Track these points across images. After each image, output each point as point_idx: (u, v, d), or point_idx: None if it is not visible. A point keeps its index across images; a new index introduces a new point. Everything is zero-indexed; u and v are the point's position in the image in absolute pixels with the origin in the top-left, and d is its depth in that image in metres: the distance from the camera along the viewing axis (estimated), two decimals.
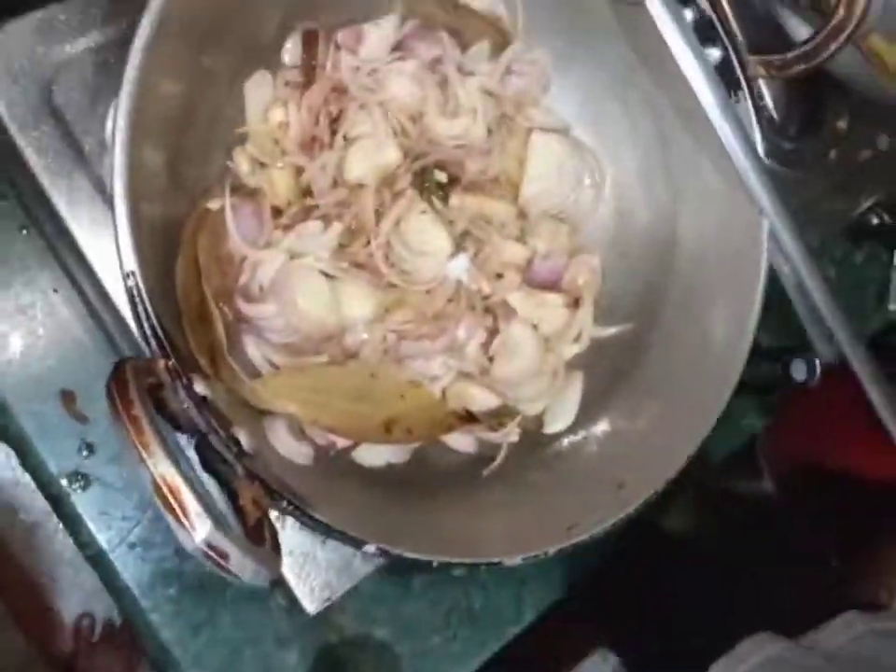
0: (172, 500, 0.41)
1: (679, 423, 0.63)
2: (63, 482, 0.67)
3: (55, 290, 0.69)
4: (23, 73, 0.59)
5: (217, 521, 0.41)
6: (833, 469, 1.08)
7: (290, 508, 0.50)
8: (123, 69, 0.47)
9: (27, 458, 0.68)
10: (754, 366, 0.69)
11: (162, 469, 0.40)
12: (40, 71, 0.59)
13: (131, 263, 0.47)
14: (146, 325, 0.48)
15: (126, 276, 0.47)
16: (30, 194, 0.62)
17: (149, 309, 0.48)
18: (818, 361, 0.81)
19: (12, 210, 0.68)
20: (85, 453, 0.67)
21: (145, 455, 0.40)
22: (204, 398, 0.49)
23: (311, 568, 0.62)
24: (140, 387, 0.43)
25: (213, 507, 0.41)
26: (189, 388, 0.48)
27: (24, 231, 0.69)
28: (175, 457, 0.41)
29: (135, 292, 0.47)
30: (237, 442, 0.50)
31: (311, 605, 0.62)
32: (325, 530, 0.51)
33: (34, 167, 0.59)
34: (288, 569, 0.62)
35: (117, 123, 0.46)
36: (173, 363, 0.48)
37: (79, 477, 0.68)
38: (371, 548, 0.52)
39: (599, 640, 0.78)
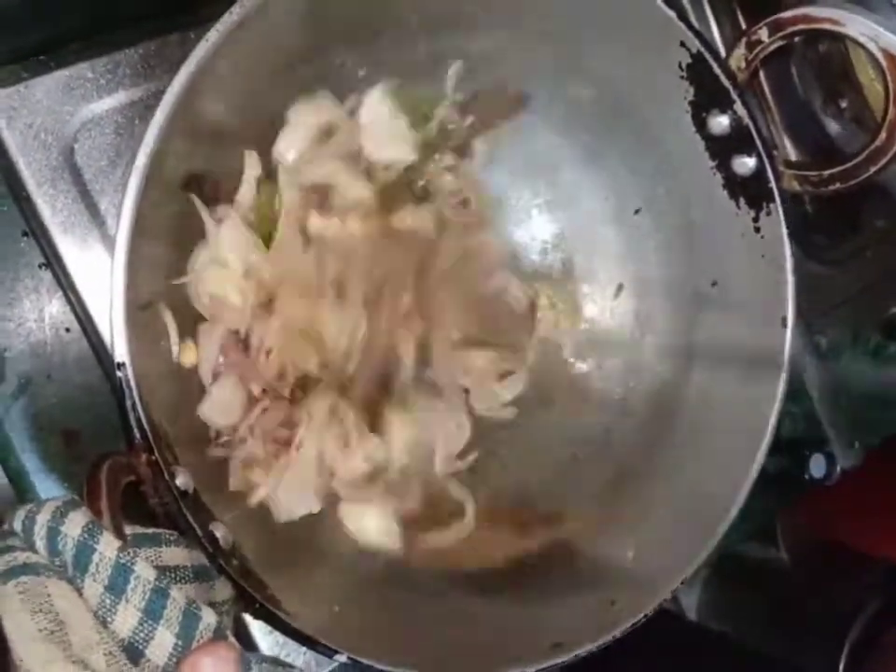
0: None
1: (678, 542, 0.62)
2: None
3: (67, 329, 0.69)
4: (46, 129, 0.59)
5: None
6: (851, 549, 1.07)
7: (262, 612, 0.49)
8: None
9: (24, 495, 0.68)
10: (772, 458, 0.68)
11: None
12: (63, 129, 0.59)
13: (122, 354, 0.47)
14: (131, 416, 0.47)
15: (117, 366, 0.46)
16: (44, 244, 0.62)
17: (137, 401, 0.47)
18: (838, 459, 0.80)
19: (30, 248, 0.68)
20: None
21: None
22: (185, 492, 0.49)
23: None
24: (111, 490, 0.43)
25: None
26: (170, 481, 0.48)
27: (41, 269, 0.68)
28: None
29: (125, 383, 0.47)
30: (214, 541, 0.49)
31: None
32: (297, 637, 0.51)
33: (48, 224, 0.59)
34: (260, 637, 0.61)
35: (121, 215, 0.46)
36: (155, 458, 0.47)
37: None
38: (342, 657, 0.52)
39: None
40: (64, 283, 0.63)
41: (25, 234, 0.66)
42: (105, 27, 0.62)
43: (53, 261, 0.61)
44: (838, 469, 0.80)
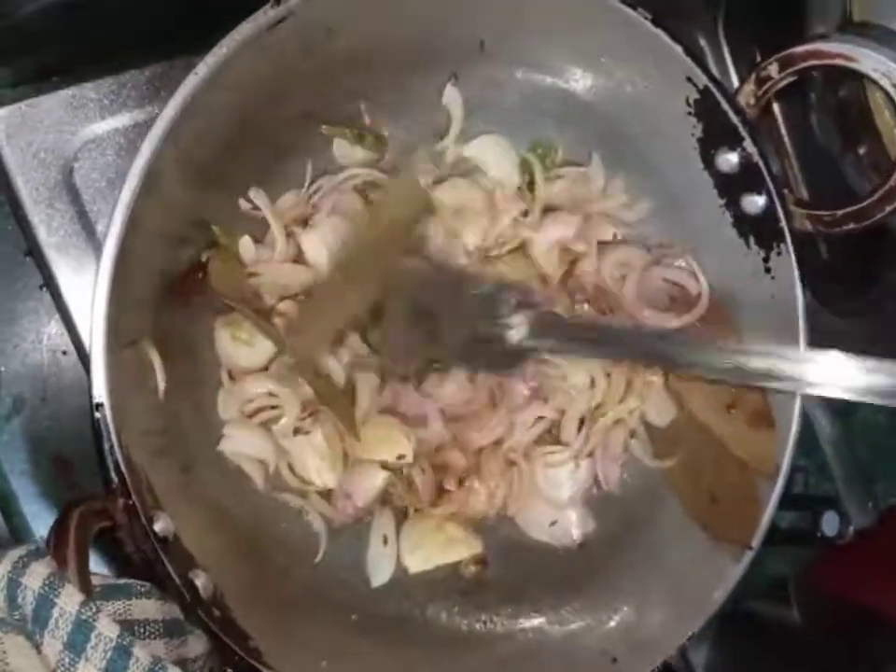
0: None
1: (681, 599, 0.60)
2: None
3: (64, 352, 0.68)
4: (46, 148, 0.58)
5: None
6: (867, 610, 1.03)
7: (243, 665, 0.48)
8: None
9: (11, 519, 0.67)
10: (783, 513, 0.66)
11: None
12: (64, 148, 0.59)
13: (101, 395, 0.46)
14: (108, 459, 0.46)
15: (95, 407, 0.45)
16: (40, 263, 0.61)
17: (115, 444, 0.46)
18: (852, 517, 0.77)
19: (31, 268, 0.67)
20: None
21: None
22: (165, 538, 0.47)
23: None
24: (80, 538, 0.41)
25: None
26: (148, 527, 0.46)
27: (41, 290, 0.68)
28: None
29: (102, 424, 0.45)
30: (193, 589, 0.48)
31: None
32: None
33: (43, 244, 0.58)
34: None
35: (103, 255, 0.45)
36: (133, 502, 0.46)
37: None
38: None
39: None
40: (59, 304, 0.62)
41: (27, 254, 0.66)
42: (116, 50, 0.62)
43: (49, 282, 0.60)
44: (851, 528, 0.77)
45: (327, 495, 0.62)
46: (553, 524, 0.65)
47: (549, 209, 0.66)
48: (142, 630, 0.41)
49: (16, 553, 0.40)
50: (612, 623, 0.61)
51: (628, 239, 0.66)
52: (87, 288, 0.59)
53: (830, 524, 0.76)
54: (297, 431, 0.60)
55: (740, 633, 1.09)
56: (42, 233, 0.58)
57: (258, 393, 0.60)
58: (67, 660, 0.38)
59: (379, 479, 0.62)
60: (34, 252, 0.61)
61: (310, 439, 0.60)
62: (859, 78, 0.55)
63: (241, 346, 0.60)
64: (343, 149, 0.63)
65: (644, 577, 0.62)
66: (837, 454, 0.80)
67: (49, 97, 0.58)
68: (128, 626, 0.40)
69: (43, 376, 0.67)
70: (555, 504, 0.65)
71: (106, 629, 0.39)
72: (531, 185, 0.66)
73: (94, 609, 0.39)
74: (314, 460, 0.61)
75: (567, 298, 0.66)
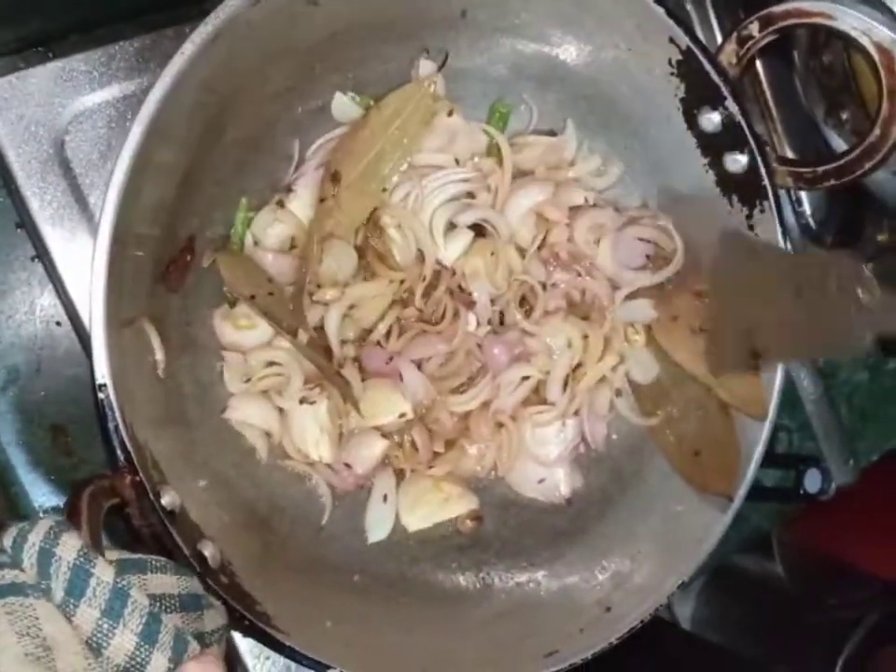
0: None
1: (673, 548, 0.61)
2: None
3: (58, 323, 0.69)
4: (37, 121, 0.58)
5: None
6: (847, 563, 1.06)
7: (253, 629, 0.49)
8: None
9: (10, 488, 0.68)
10: (767, 471, 0.67)
11: None
12: (55, 121, 0.58)
13: (104, 375, 0.46)
14: (114, 438, 0.46)
15: (98, 388, 0.46)
16: (33, 236, 0.61)
17: (119, 423, 0.46)
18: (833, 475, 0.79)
19: (23, 240, 0.67)
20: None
21: None
22: (172, 511, 0.48)
23: (270, 651, 0.60)
24: (93, 516, 0.42)
25: None
26: (156, 501, 0.47)
27: (33, 261, 0.68)
28: None
29: (106, 405, 0.46)
30: (202, 559, 0.49)
31: None
32: (289, 653, 0.50)
33: (36, 217, 0.58)
34: (247, 651, 0.61)
35: (98, 238, 0.45)
36: (140, 479, 0.47)
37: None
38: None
39: None
40: (53, 276, 0.63)
41: (19, 226, 0.66)
42: (103, 20, 0.62)
43: (42, 254, 0.61)
44: (833, 485, 0.79)
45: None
46: (541, 481, 0.67)
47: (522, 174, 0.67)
48: (160, 604, 0.42)
49: (45, 524, 0.40)
50: (606, 575, 0.62)
51: (599, 203, 0.67)
52: (81, 260, 0.60)
53: (812, 481, 0.77)
54: (303, 401, 0.60)
55: (725, 587, 1.12)
56: (35, 206, 0.58)
57: (262, 362, 0.61)
58: (106, 626, 0.39)
59: (378, 447, 0.63)
60: (26, 224, 0.61)
61: (315, 409, 0.61)
62: (842, 43, 0.56)
63: (244, 331, 0.61)
64: (342, 107, 0.63)
65: (634, 530, 0.64)
66: (819, 413, 0.81)
67: (37, 70, 0.58)
68: (149, 599, 0.41)
69: (37, 347, 0.68)
70: (544, 462, 0.66)
71: (139, 597, 0.40)
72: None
73: (127, 580, 0.40)
74: (313, 432, 0.62)
75: (542, 266, 0.66)
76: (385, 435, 0.63)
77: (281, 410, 0.61)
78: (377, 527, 0.64)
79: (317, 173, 0.62)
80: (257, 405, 0.61)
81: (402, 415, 0.62)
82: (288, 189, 0.62)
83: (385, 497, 0.64)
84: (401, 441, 0.64)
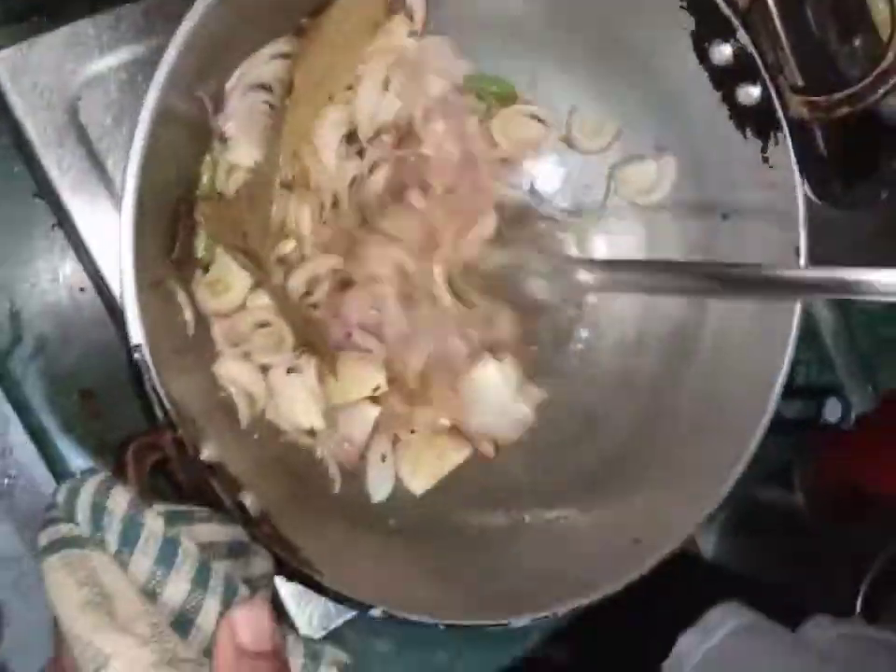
0: None
1: (698, 479, 0.62)
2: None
3: (81, 289, 0.69)
4: (50, 89, 0.58)
5: None
6: (868, 492, 1.07)
7: (296, 574, 0.50)
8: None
9: (47, 452, 0.69)
10: (787, 403, 0.68)
11: None
12: (67, 87, 0.58)
13: (138, 336, 0.47)
14: (152, 396, 0.47)
15: (134, 349, 0.47)
16: (53, 204, 0.62)
17: (157, 382, 0.47)
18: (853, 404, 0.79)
19: (42, 209, 0.68)
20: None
21: None
22: (211, 465, 0.49)
23: (311, 596, 0.62)
24: (138, 472, 0.44)
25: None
26: (196, 456, 0.48)
27: (53, 229, 0.68)
28: None
29: (142, 365, 0.47)
30: (243, 509, 0.50)
31: (309, 633, 0.63)
32: (332, 595, 0.52)
33: (56, 184, 0.59)
34: (289, 596, 0.62)
35: (123, 201, 0.45)
36: (179, 434, 0.48)
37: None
38: (377, 612, 0.52)
39: None
40: (76, 243, 0.63)
41: (37, 195, 0.66)
42: None
43: (64, 222, 0.61)
44: (853, 414, 0.79)
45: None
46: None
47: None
48: (208, 552, 0.43)
49: (96, 479, 0.42)
50: (635, 507, 0.63)
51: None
52: (103, 225, 0.60)
53: (832, 411, 0.78)
54: (291, 370, 0.61)
55: (747, 520, 1.13)
56: (54, 173, 0.58)
57: (252, 324, 0.62)
58: (160, 574, 0.40)
59: (370, 413, 0.64)
60: (45, 193, 0.62)
61: (304, 378, 0.61)
62: None
63: (220, 296, 0.61)
64: None
65: (665, 461, 0.65)
66: (838, 344, 0.82)
67: (47, 37, 0.58)
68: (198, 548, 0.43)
69: (62, 314, 0.68)
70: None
71: (189, 545, 0.41)
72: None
73: (177, 529, 0.41)
74: (302, 400, 0.62)
75: None
76: (374, 400, 0.64)
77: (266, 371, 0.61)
78: (378, 488, 0.65)
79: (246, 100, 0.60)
80: (247, 368, 0.61)
81: (377, 388, 0.63)
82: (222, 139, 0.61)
83: (382, 457, 0.65)
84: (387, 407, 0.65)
